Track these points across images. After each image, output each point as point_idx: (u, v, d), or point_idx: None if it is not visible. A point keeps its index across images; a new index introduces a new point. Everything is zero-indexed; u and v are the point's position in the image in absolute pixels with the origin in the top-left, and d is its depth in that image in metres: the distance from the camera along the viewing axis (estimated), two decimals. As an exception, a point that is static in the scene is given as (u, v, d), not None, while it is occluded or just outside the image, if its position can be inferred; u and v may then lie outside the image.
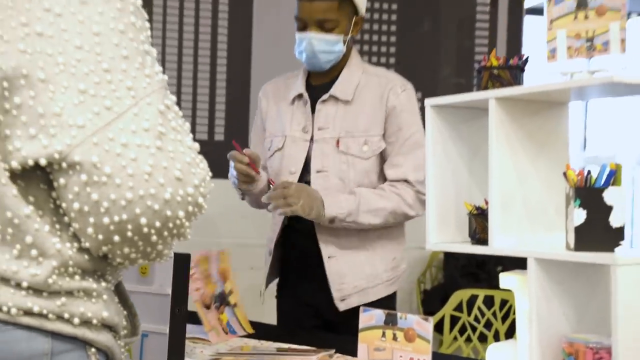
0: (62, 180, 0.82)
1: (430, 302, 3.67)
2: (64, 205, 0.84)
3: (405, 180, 2.00)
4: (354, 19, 2.01)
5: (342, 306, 2.02)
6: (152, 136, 0.83)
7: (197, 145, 0.88)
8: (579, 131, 6.65)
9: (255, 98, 3.45)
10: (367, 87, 2.03)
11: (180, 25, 3.46)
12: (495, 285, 3.63)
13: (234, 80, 3.49)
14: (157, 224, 0.82)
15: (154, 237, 0.83)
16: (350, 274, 2.02)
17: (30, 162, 0.82)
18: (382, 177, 2.05)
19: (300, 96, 2.07)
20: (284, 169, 2.05)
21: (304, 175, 2.04)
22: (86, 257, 0.87)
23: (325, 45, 1.97)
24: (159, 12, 3.43)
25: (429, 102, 1.55)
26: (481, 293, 2.87)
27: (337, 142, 2.00)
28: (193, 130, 3.64)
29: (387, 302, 2.03)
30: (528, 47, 3.83)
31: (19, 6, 0.84)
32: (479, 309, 2.88)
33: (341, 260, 2.02)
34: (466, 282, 3.57)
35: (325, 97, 2.03)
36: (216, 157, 3.41)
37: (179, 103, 3.38)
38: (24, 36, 0.82)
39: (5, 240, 0.84)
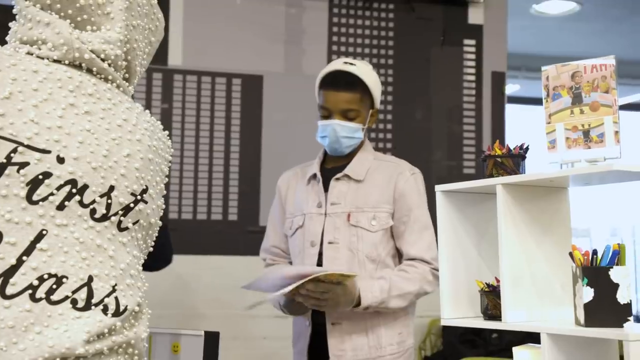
0: None
1: (431, 369, 3.58)
2: None
3: (422, 260, 1.97)
4: (370, 111, 2.05)
5: None
6: None
7: None
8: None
9: (265, 181, 3.49)
10: (377, 170, 2.04)
11: (198, 117, 3.50)
12: (491, 351, 3.55)
13: (245, 166, 3.52)
14: None
15: None
16: (350, 342, 1.94)
17: None
18: (389, 252, 2.01)
19: (314, 176, 2.07)
20: (306, 243, 2.02)
21: (320, 247, 2.00)
22: None
23: (347, 132, 2.00)
24: (179, 106, 3.47)
25: (439, 187, 1.55)
26: (482, 361, 2.79)
27: (348, 216, 1.99)
28: (209, 212, 3.62)
29: None
30: (509, 131, 3.90)
31: None
32: (480, 376, 2.80)
33: (344, 327, 1.95)
34: (464, 349, 3.50)
35: (339, 175, 2.04)
36: (229, 235, 3.42)
37: (195, 187, 3.31)
38: None
39: None
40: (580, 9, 4.64)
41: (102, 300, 0.94)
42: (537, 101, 2.42)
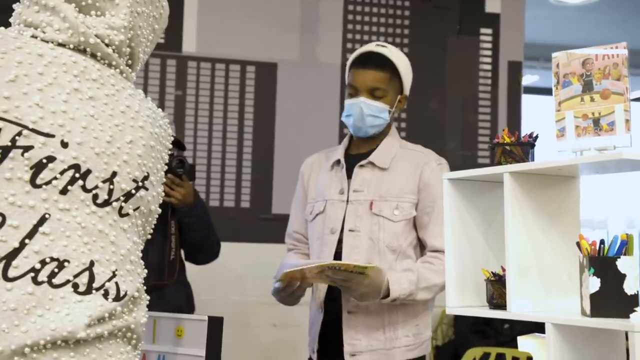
0: None
1: (442, 358, 3.57)
2: None
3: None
4: (398, 96, 2.03)
5: None
6: None
7: None
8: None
9: (278, 169, 3.48)
10: (403, 159, 2.01)
11: (211, 104, 3.50)
12: (502, 341, 3.53)
13: (258, 154, 3.51)
14: None
15: None
16: (366, 332, 1.92)
17: None
18: (411, 243, 1.99)
19: (338, 162, 2.05)
20: (326, 230, 2.00)
21: (340, 234, 1.98)
22: None
23: (373, 110, 1.98)
24: (193, 93, 3.48)
25: (446, 175, 1.53)
26: (493, 351, 2.78)
27: (371, 204, 1.96)
28: (222, 198, 3.62)
29: None
30: (525, 122, 3.86)
31: None
32: (490, 366, 2.78)
33: (360, 317, 1.93)
34: (475, 339, 3.49)
35: (363, 162, 2.01)
36: (241, 222, 3.43)
37: (208, 174, 3.30)
38: None
39: None
40: (600, -2, 4.57)
41: (102, 285, 0.95)
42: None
